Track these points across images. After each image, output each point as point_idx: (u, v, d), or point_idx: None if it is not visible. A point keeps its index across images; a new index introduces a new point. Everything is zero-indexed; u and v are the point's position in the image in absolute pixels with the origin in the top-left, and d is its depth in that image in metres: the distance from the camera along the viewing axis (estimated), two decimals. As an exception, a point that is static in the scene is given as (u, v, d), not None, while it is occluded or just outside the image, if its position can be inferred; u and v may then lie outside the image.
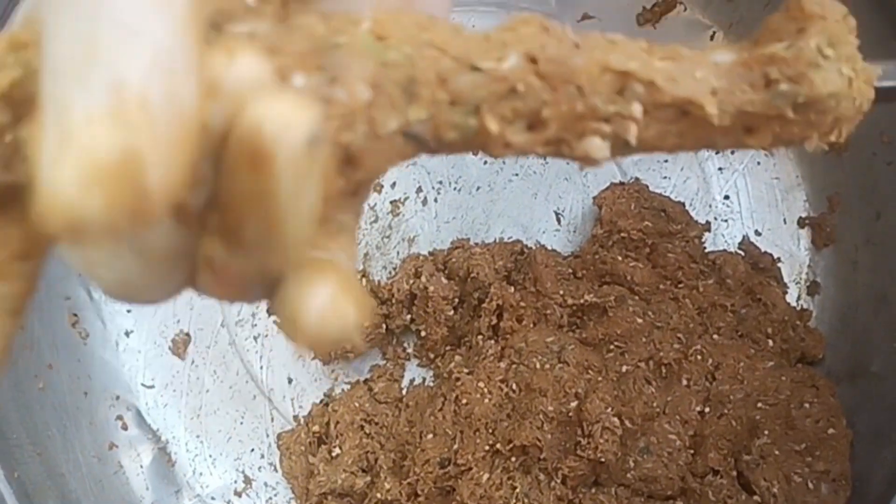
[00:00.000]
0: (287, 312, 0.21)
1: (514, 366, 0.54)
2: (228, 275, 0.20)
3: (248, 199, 0.18)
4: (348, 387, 0.60)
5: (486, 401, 0.53)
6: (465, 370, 0.55)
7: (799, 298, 0.60)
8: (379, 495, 0.54)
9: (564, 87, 0.23)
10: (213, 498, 0.59)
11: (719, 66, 0.25)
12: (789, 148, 0.26)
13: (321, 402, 0.60)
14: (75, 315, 0.59)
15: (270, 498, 0.59)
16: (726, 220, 0.62)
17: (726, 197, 0.63)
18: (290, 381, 0.60)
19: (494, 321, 0.57)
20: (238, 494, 0.59)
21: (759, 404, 0.53)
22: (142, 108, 0.16)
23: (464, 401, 0.54)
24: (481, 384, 0.54)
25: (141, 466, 0.59)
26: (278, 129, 0.17)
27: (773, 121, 0.25)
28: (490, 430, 0.52)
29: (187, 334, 0.61)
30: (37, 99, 0.17)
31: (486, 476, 0.51)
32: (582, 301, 0.56)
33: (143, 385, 0.60)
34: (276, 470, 0.59)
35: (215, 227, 0.19)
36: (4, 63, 0.19)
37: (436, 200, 0.62)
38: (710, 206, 0.62)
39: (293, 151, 0.17)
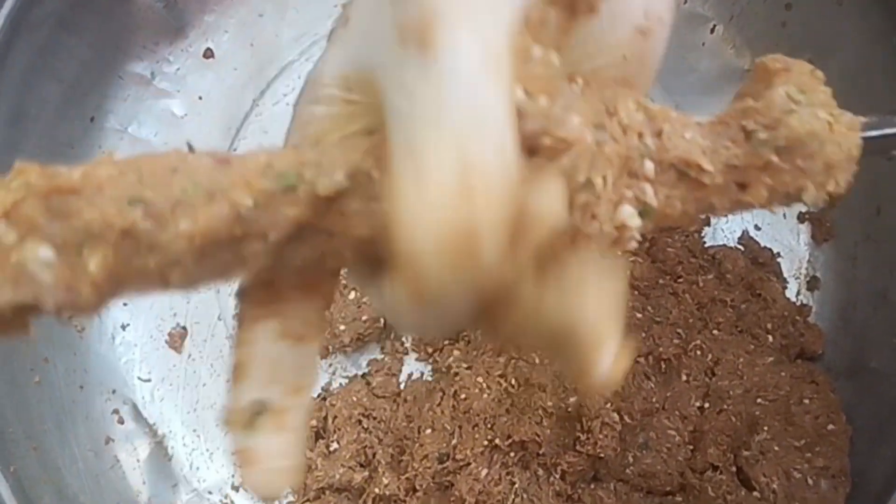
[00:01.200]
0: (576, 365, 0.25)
1: (512, 361, 0.54)
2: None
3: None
4: (346, 381, 0.60)
5: (485, 396, 0.53)
6: (464, 365, 0.55)
7: (798, 294, 0.60)
8: (377, 490, 0.54)
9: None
10: (210, 492, 0.58)
11: (702, 125, 0.25)
12: (790, 204, 0.26)
13: (319, 396, 0.59)
14: (71, 309, 0.59)
15: (268, 492, 0.58)
16: (726, 215, 0.62)
17: (726, 191, 0.62)
18: (287, 375, 0.60)
19: (493, 316, 0.57)
20: (235, 489, 0.59)
21: (759, 400, 0.53)
22: (485, 191, 0.20)
23: (462, 396, 0.53)
24: (480, 379, 0.54)
25: (137, 461, 0.58)
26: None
27: (762, 172, 0.25)
28: (489, 426, 0.52)
29: (184, 328, 0.61)
30: (389, 167, 0.21)
31: (484, 471, 0.51)
32: (581, 296, 0.56)
33: (139, 379, 0.60)
34: (273, 464, 0.59)
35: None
36: (9, 187, 0.22)
37: (434, 194, 0.62)
38: (710, 200, 0.62)
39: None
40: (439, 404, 0.55)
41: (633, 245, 0.24)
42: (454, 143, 0.20)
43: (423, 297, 0.21)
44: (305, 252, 0.24)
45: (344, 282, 0.60)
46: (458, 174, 0.19)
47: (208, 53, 0.64)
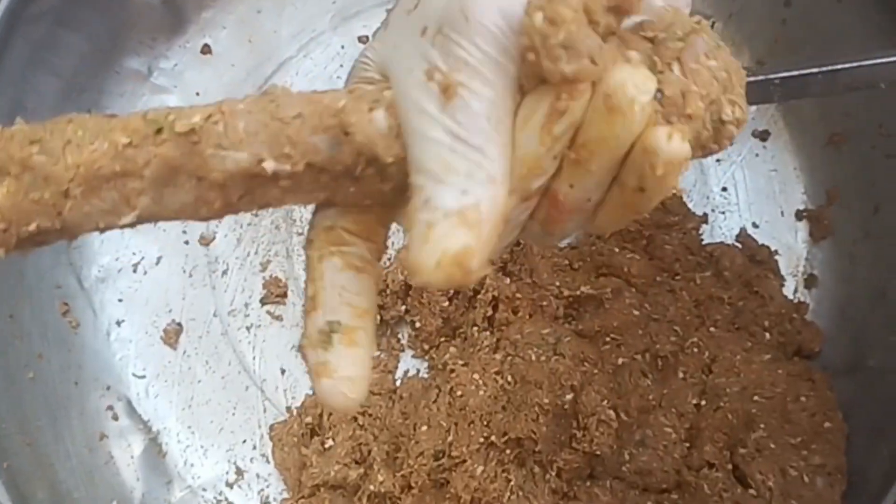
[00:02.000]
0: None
1: (509, 357, 0.53)
2: (567, 205, 0.28)
3: (600, 138, 0.26)
4: (342, 378, 0.59)
5: (481, 393, 0.52)
6: (460, 362, 0.55)
7: (796, 291, 0.60)
8: (372, 487, 0.53)
9: None
10: (204, 489, 0.58)
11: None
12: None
13: (314, 393, 0.59)
14: (66, 304, 0.59)
15: (262, 489, 0.58)
16: (724, 212, 0.62)
17: (724, 189, 0.62)
18: (282, 371, 0.60)
19: (490, 312, 0.57)
20: (230, 486, 0.58)
21: (756, 397, 0.53)
22: (479, 222, 0.26)
23: (458, 392, 0.53)
24: (476, 376, 0.53)
25: (132, 457, 0.58)
26: (632, 90, 0.25)
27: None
28: (485, 423, 0.52)
29: (179, 324, 0.60)
30: (412, 184, 0.27)
31: (480, 468, 0.51)
32: (578, 293, 0.55)
33: (134, 375, 0.60)
34: (268, 461, 0.58)
35: (566, 166, 0.27)
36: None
37: (431, 191, 0.62)
38: (708, 197, 0.62)
39: (640, 106, 0.25)
40: (435, 401, 0.54)
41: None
42: (461, 182, 0.26)
43: (423, 285, 0.27)
44: (182, 196, 0.28)
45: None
46: (461, 205, 0.26)
47: (206, 49, 0.64)
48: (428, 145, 0.27)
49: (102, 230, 0.28)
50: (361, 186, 0.29)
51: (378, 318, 0.58)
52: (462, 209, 0.26)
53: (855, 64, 0.34)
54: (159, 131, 0.27)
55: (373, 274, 0.31)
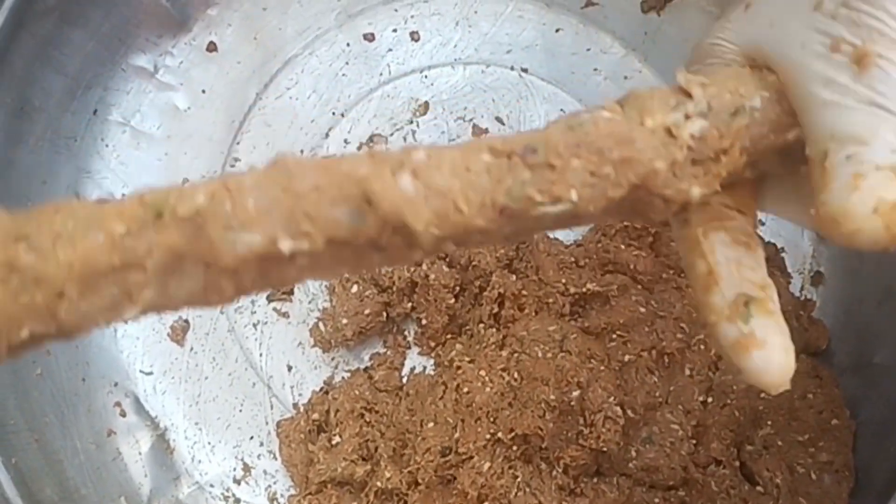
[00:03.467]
0: None
1: (515, 354, 0.53)
2: None
3: None
4: (348, 374, 0.59)
5: (488, 389, 0.52)
6: (467, 358, 0.55)
7: (802, 289, 0.60)
8: (379, 484, 0.54)
9: None
10: (211, 485, 0.58)
11: None
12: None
13: (321, 389, 0.59)
14: (73, 301, 0.59)
15: (269, 486, 0.58)
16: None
17: (730, 186, 0.62)
18: (289, 368, 0.60)
19: (496, 309, 0.57)
20: (237, 482, 0.58)
21: (762, 395, 0.53)
22: None
23: (465, 389, 0.53)
24: (482, 373, 0.53)
25: (139, 453, 0.58)
26: None
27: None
28: (491, 419, 0.52)
29: (186, 321, 0.61)
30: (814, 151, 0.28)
31: (487, 465, 0.51)
32: (584, 290, 0.55)
33: (141, 372, 0.60)
34: (275, 458, 0.59)
35: None
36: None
37: (437, 188, 0.62)
38: (714, 195, 0.62)
39: None
40: (441, 398, 0.54)
41: None
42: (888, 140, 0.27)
43: (850, 239, 0.27)
44: (189, 285, 0.25)
45: (346, 276, 0.60)
46: (891, 159, 0.26)
47: (212, 47, 0.64)
48: (842, 113, 0.27)
49: (103, 327, 0.25)
50: (386, 255, 0.26)
51: (385, 314, 0.59)
52: (894, 165, 0.26)
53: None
54: (159, 216, 0.24)
55: (759, 248, 0.31)
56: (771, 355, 0.28)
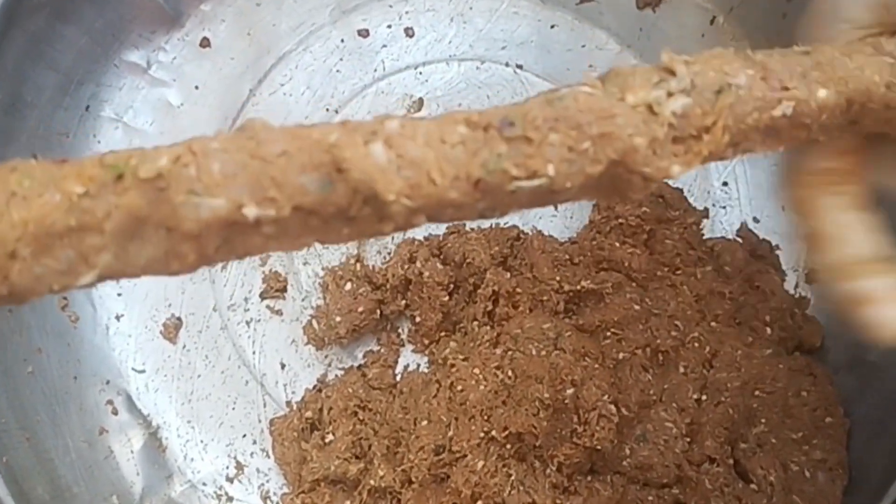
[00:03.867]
0: None
1: (509, 352, 0.53)
2: None
3: None
4: (342, 372, 0.59)
5: (482, 387, 0.52)
6: (461, 356, 0.55)
7: (797, 286, 0.60)
8: (372, 482, 0.53)
9: None
10: (204, 484, 0.58)
11: None
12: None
13: (314, 387, 0.59)
14: (65, 298, 0.59)
15: (262, 484, 0.58)
16: (724, 207, 0.62)
17: (725, 183, 0.62)
18: (282, 366, 0.60)
19: (490, 307, 0.56)
20: (230, 480, 0.58)
21: (757, 392, 0.53)
22: None
23: (459, 387, 0.53)
24: (476, 371, 0.53)
25: (131, 452, 0.58)
26: None
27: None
28: (485, 417, 0.52)
29: (178, 318, 0.60)
30: None
31: (480, 463, 0.51)
32: (578, 287, 0.55)
33: (133, 370, 0.60)
34: (268, 456, 0.58)
35: None
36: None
37: (431, 185, 0.62)
38: (709, 192, 0.62)
39: None
40: (435, 396, 0.54)
41: None
42: None
43: None
44: (149, 250, 0.24)
45: (340, 273, 0.59)
46: None
47: (205, 42, 0.64)
48: None
49: (57, 292, 0.25)
50: (356, 227, 0.26)
51: (378, 312, 0.58)
52: None
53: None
54: (120, 178, 0.24)
55: (871, 211, 0.32)
56: (884, 311, 0.30)
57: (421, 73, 0.64)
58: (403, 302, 0.59)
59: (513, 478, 0.51)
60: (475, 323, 0.57)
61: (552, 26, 0.64)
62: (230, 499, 0.58)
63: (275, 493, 0.58)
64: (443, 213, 0.26)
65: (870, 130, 0.31)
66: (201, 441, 0.59)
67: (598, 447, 0.50)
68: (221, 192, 0.24)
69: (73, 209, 0.23)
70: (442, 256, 0.58)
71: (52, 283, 0.24)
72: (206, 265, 0.26)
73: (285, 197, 0.24)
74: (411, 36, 0.64)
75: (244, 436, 0.59)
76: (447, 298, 0.57)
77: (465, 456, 0.51)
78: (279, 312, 0.61)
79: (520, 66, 0.64)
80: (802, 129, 0.29)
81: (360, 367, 0.59)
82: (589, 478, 0.52)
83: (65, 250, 0.23)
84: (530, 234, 0.59)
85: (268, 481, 0.58)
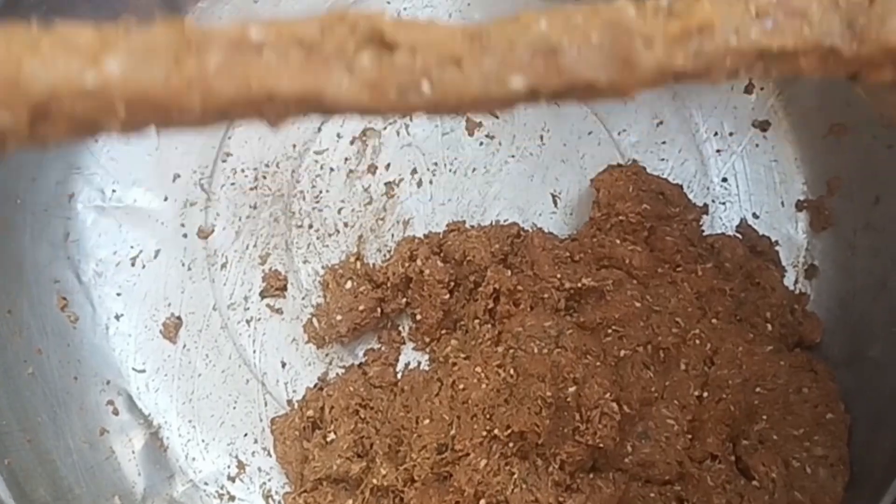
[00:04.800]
0: None
1: (511, 350, 0.53)
2: None
3: None
4: (343, 371, 0.59)
5: (484, 386, 0.52)
6: (462, 355, 0.55)
7: (797, 282, 0.60)
8: (375, 481, 0.53)
9: None
10: (206, 483, 0.58)
11: None
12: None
13: (315, 386, 0.59)
14: (64, 298, 0.58)
15: (264, 483, 0.58)
16: (724, 203, 0.62)
17: (724, 179, 0.62)
18: (283, 365, 0.60)
19: (491, 305, 0.56)
20: (231, 479, 0.58)
21: (758, 389, 0.53)
22: None
23: (460, 386, 0.53)
24: (478, 369, 0.53)
25: (133, 452, 0.58)
26: None
27: None
28: (487, 416, 0.52)
29: (178, 318, 0.60)
30: None
31: (483, 462, 0.51)
32: (579, 285, 0.55)
33: (133, 369, 0.59)
34: (269, 455, 0.58)
35: None
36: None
37: (431, 182, 0.62)
38: (708, 188, 0.62)
39: None
40: (437, 394, 0.54)
41: None
42: None
43: None
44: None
45: (340, 271, 0.59)
46: None
47: (202, 40, 0.63)
48: None
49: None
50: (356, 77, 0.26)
51: (379, 310, 0.58)
52: None
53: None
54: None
55: None
56: None
57: (420, 70, 0.63)
58: (404, 300, 0.58)
59: (515, 476, 0.51)
60: (476, 321, 0.57)
61: (551, 22, 0.64)
62: (232, 498, 0.58)
63: (277, 493, 0.58)
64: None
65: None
66: (202, 440, 0.59)
67: (601, 445, 0.50)
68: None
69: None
70: (442, 254, 0.58)
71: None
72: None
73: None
74: (410, 32, 0.64)
75: (245, 435, 0.59)
76: (448, 296, 0.57)
77: (468, 454, 0.51)
78: (279, 311, 0.61)
79: (519, 63, 0.63)
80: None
81: (360, 365, 0.59)
82: (591, 475, 0.52)
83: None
84: (531, 231, 0.59)
85: (269, 480, 0.58)
